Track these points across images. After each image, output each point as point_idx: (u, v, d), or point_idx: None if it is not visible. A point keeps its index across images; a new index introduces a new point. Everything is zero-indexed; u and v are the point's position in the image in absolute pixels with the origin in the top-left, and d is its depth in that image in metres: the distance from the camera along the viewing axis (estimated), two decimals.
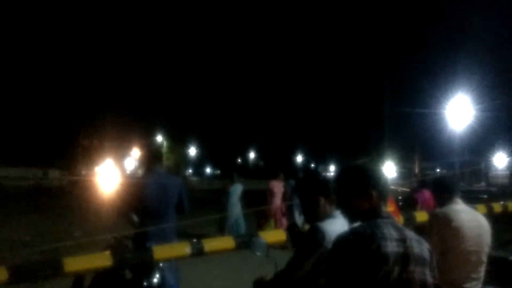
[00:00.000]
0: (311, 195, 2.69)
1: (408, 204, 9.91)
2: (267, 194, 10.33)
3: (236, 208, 10.25)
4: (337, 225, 2.48)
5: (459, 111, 23.79)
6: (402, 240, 1.88)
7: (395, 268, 1.82)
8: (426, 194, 8.27)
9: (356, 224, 2.04)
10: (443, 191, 3.49)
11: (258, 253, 2.87)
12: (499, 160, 27.57)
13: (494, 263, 3.43)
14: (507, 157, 22.67)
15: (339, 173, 2.20)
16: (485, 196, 19.01)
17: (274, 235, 3.44)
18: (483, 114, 24.67)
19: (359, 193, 2.06)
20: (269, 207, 9.88)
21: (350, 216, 2.09)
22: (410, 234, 1.95)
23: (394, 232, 1.90)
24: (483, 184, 23.93)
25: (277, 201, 10.06)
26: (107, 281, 3.72)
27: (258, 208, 9.68)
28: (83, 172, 60.20)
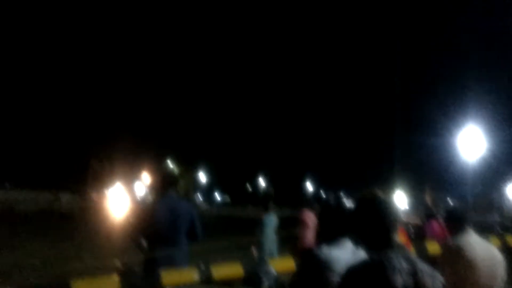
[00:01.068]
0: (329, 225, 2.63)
1: (417, 235, 9.70)
2: (300, 227, 8.48)
3: (271, 242, 8.55)
4: (339, 251, 2.44)
5: (471, 142, 23.70)
6: (413, 273, 1.86)
7: None
8: (435, 225, 8.14)
9: (366, 256, 2.04)
10: (456, 222, 3.46)
11: (266, 283, 2.85)
12: None
13: None
14: None
15: (353, 206, 2.21)
16: (498, 228, 18.69)
17: (282, 263, 3.39)
18: (495, 146, 24.49)
19: (370, 224, 2.06)
20: (301, 240, 8.11)
21: (365, 246, 2.09)
22: (423, 267, 1.92)
23: (405, 265, 1.88)
24: (496, 215, 23.53)
25: (311, 235, 8.16)
26: None
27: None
28: (94, 196, 60.46)
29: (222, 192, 73.45)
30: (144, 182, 61.32)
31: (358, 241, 2.14)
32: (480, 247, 3.28)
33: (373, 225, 2.05)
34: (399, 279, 1.82)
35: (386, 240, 2.00)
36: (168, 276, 3.52)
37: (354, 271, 1.93)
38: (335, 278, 2.27)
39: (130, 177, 67.11)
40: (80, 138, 59.18)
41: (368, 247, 2.05)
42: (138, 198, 52.54)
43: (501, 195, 23.96)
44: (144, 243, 4.29)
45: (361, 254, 2.31)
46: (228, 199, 73.32)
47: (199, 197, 65.17)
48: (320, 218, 2.72)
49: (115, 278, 3.42)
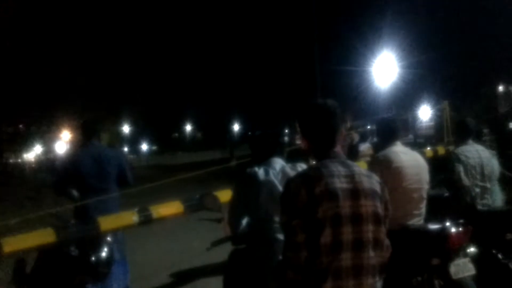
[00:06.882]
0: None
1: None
2: None
3: None
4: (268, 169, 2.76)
5: (385, 69, 24.88)
6: (351, 176, 1.92)
7: (345, 203, 1.86)
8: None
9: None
10: (387, 134, 3.62)
11: (210, 208, 2.88)
12: (423, 113, 28.99)
13: (431, 200, 3.63)
14: (430, 109, 23.92)
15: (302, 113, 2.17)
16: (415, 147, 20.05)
17: (227, 194, 3.35)
18: (406, 71, 25.84)
19: (309, 135, 2.10)
20: None
21: (313, 156, 2.12)
22: (359, 169, 1.99)
23: (342, 169, 1.94)
24: (411, 136, 25.18)
25: None
26: (51, 261, 3.49)
27: None
28: (11, 160, 57.08)
29: (151, 142, 71.78)
30: (64, 140, 58.56)
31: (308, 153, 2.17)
32: (406, 156, 3.49)
33: (318, 132, 2.07)
34: (337, 183, 1.88)
35: (327, 149, 2.04)
36: (105, 222, 3.39)
37: (293, 181, 1.96)
38: (264, 189, 2.66)
39: (49, 137, 63.80)
40: None
41: (314, 156, 2.10)
42: (59, 155, 50.36)
43: (414, 116, 25.48)
44: (74, 193, 4.10)
45: (288, 170, 2.73)
46: (155, 148, 72.10)
47: (125, 149, 63.44)
48: (251, 145, 3.07)
49: (49, 231, 3.24)
